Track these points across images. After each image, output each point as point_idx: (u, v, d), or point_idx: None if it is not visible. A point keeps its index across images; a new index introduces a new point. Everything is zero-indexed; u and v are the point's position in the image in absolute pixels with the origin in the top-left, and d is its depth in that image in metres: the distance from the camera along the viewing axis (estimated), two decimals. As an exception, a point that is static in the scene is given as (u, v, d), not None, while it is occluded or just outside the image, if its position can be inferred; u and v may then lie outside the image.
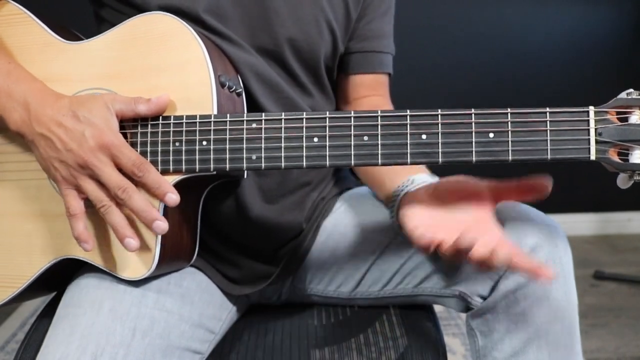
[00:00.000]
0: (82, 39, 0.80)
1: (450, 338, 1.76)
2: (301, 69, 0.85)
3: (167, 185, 0.70)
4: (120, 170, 0.69)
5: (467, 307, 0.82)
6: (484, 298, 0.79)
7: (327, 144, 0.68)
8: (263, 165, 0.69)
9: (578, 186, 2.59)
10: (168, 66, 0.72)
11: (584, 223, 2.71)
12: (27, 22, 0.79)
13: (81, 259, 0.75)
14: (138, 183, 0.70)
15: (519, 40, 2.51)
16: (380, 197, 0.88)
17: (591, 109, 0.64)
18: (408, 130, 0.66)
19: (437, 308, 0.92)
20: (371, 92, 0.96)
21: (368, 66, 0.94)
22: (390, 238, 0.87)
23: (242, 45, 0.79)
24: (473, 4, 2.47)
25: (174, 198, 0.69)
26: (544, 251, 0.75)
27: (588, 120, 0.63)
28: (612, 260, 2.44)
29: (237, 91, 0.76)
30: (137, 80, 0.73)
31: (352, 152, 0.67)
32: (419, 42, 2.43)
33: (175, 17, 0.73)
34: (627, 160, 0.64)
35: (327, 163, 0.68)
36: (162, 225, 0.69)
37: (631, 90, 0.64)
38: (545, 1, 2.48)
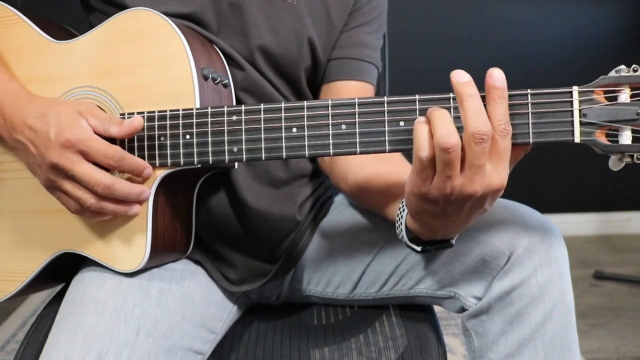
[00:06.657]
0: (75, 35, 0.82)
1: (450, 338, 1.75)
2: (278, 79, 0.85)
3: (148, 168, 0.72)
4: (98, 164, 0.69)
5: (462, 308, 0.80)
6: (479, 299, 0.77)
7: (306, 133, 0.67)
8: (244, 157, 0.69)
9: (578, 186, 2.59)
10: (151, 62, 0.74)
11: (584, 223, 2.70)
12: (18, 23, 0.81)
13: (78, 253, 0.77)
14: (119, 170, 0.71)
15: (519, 41, 2.50)
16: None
17: (575, 88, 0.61)
18: (385, 118, 0.65)
19: (437, 308, 0.90)
20: None
21: (345, 73, 0.90)
22: (385, 239, 0.86)
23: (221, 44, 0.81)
24: (473, 4, 2.46)
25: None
26: (539, 251, 0.73)
27: (571, 101, 0.60)
28: (612, 260, 2.41)
29: (223, 82, 0.77)
30: (123, 77, 0.75)
31: (331, 142, 0.66)
32: (419, 42, 2.43)
33: (157, 12, 0.74)
34: (617, 141, 0.60)
35: (307, 153, 0.67)
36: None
37: (622, 66, 0.61)
38: (546, 1, 2.47)
